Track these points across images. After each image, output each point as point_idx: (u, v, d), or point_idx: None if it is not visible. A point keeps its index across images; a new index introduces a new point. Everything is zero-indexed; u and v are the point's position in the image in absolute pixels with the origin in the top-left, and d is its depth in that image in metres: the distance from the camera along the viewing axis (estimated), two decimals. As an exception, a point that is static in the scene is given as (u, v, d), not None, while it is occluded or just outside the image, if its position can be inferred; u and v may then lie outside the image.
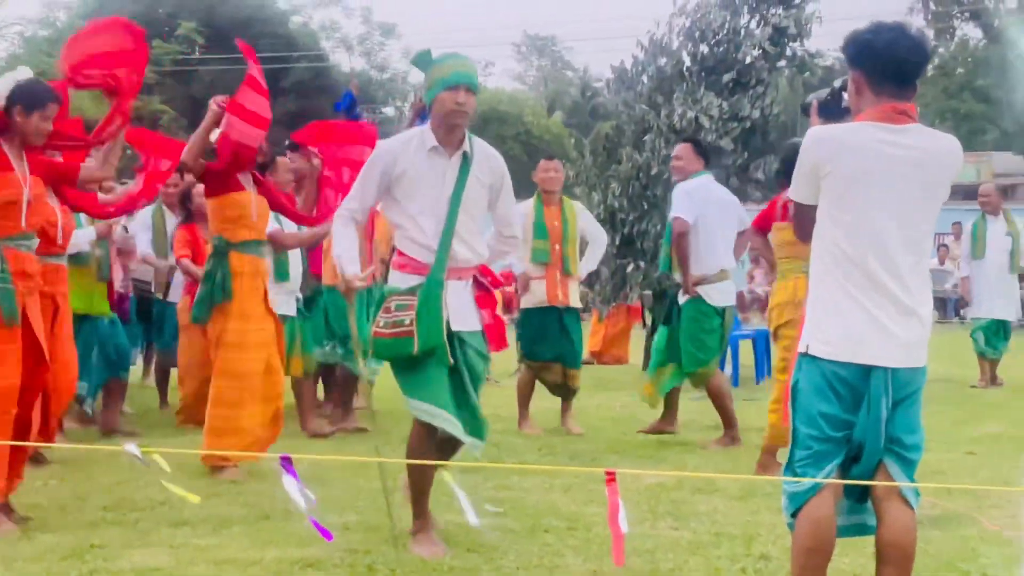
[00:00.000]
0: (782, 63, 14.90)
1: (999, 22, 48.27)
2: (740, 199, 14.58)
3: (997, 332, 13.12)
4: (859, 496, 4.30)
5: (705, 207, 8.97)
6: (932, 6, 50.43)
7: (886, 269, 4.06)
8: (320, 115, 43.09)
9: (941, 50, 51.26)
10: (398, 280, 5.59)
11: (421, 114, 9.45)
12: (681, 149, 9.35)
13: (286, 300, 8.90)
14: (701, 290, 8.97)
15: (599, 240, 9.97)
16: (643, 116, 14.06)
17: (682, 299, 9.09)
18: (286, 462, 3.68)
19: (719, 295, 9.09)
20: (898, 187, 4.07)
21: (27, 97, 5.86)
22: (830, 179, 4.09)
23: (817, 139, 4.16)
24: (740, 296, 24.01)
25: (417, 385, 5.49)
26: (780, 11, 14.00)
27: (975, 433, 9.51)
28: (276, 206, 7.90)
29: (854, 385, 4.07)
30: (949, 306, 24.71)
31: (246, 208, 7.44)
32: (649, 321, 14.53)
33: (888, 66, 4.12)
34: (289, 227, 8.87)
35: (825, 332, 4.12)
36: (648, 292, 14.31)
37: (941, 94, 48.95)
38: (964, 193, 21.80)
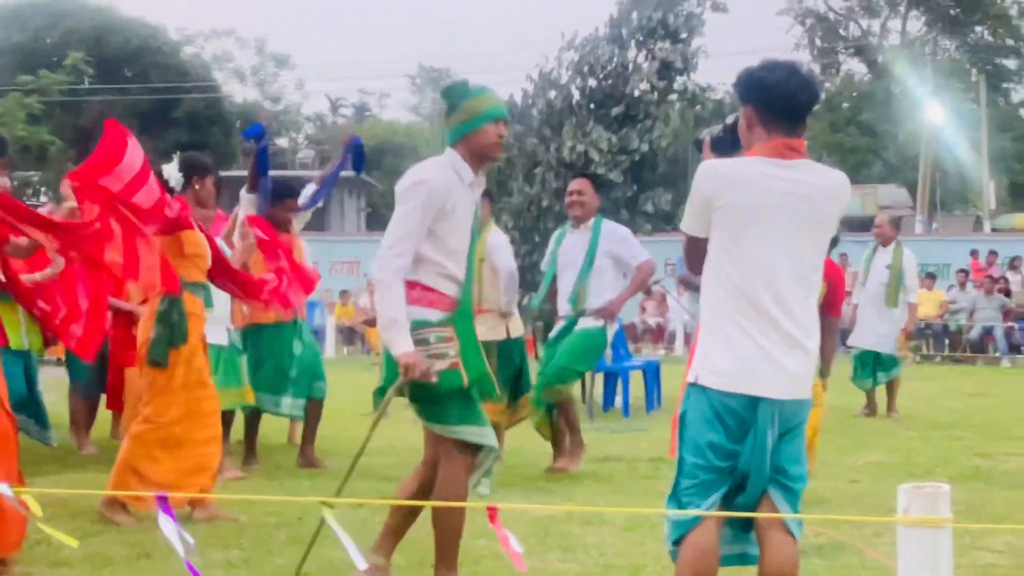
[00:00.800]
0: (672, 96, 15.08)
1: (883, 57, 49.43)
2: (632, 231, 14.82)
3: (867, 363, 13.24)
4: (743, 526, 4.33)
5: None
6: (818, 42, 51.51)
7: (776, 302, 4.10)
8: (212, 146, 42.71)
9: (827, 85, 52.34)
10: (423, 314, 5.26)
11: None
12: (581, 184, 9.32)
13: (215, 329, 8.56)
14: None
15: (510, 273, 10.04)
16: (533, 149, 14.12)
17: (584, 325, 9.17)
18: (162, 501, 3.61)
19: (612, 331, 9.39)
20: (787, 222, 4.12)
21: None
22: (721, 212, 4.12)
23: (709, 173, 4.19)
24: (632, 327, 24.24)
25: (465, 412, 5.35)
26: (667, 45, 14.20)
27: (859, 462, 9.64)
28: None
29: (742, 416, 4.10)
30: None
31: (202, 247, 7.21)
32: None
33: (779, 103, 4.17)
34: None
35: (715, 363, 4.14)
36: (540, 324, 14.35)
37: (827, 128, 49.94)
38: (850, 225, 22.18)
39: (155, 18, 50.05)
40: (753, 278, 4.10)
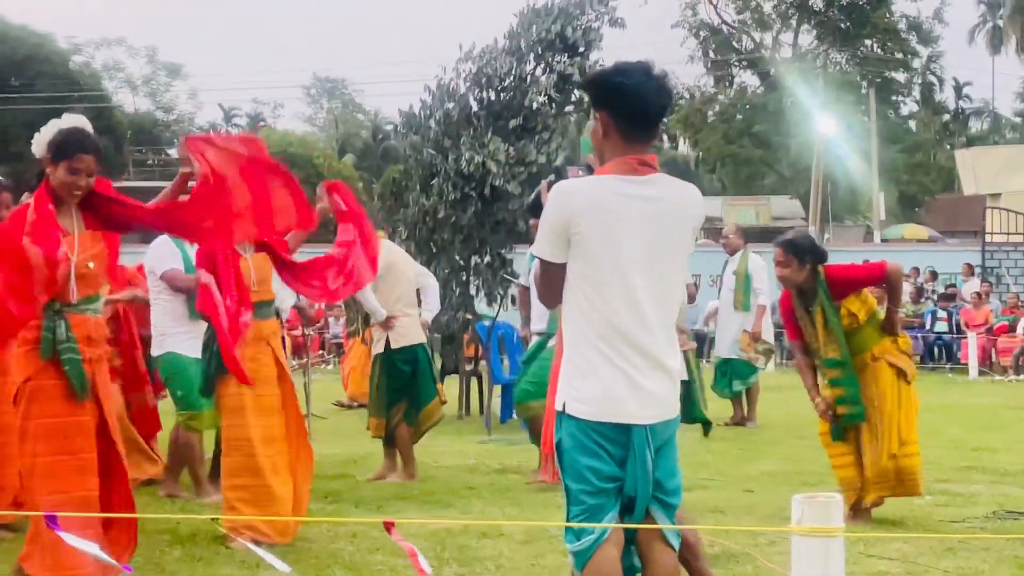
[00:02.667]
0: (568, 109, 15.12)
1: (775, 70, 50.18)
2: (527, 242, 14.81)
3: (725, 372, 13.30)
4: (630, 539, 4.33)
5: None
6: (712, 54, 52.14)
7: (637, 324, 4.08)
8: (104, 156, 42.21)
9: (721, 97, 53.00)
10: None
11: None
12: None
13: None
14: None
15: (428, 287, 10.01)
16: (431, 160, 14.08)
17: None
18: (51, 521, 3.53)
19: None
20: (645, 241, 4.08)
21: (56, 146, 5.39)
22: (578, 237, 4.06)
23: (565, 197, 4.11)
24: (528, 339, 24.21)
25: None
26: (565, 59, 14.20)
27: (752, 471, 9.74)
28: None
29: (616, 441, 4.09)
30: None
31: (246, 272, 6.90)
32: (439, 365, 14.52)
33: (636, 108, 4.12)
34: None
35: (580, 391, 4.11)
36: (437, 336, 14.30)
37: (721, 139, 50.52)
38: (745, 236, 22.33)
39: (42, 26, 49.02)
40: (612, 301, 4.06)
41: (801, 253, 7.46)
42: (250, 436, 6.84)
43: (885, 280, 7.60)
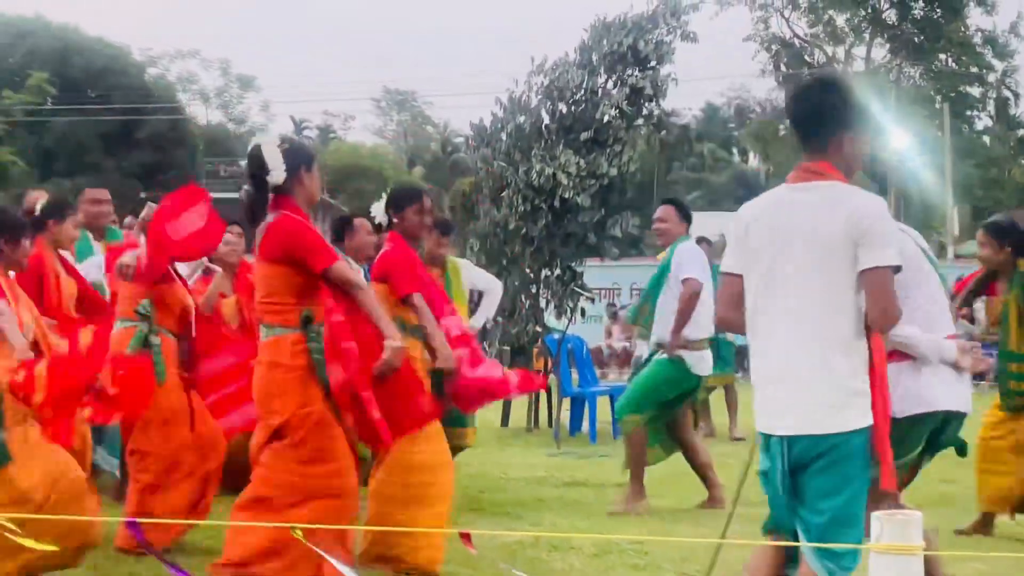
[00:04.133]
0: (639, 122, 15.08)
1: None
2: (597, 255, 14.80)
3: None
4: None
5: (705, 273, 8.73)
6: (783, 68, 51.84)
7: None
8: (176, 167, 42.58)
9: (793, 111, 52.61)
10: None
11: None
12: (665, 211, 8.99)
13: None
14: (684, 354, 8.57)
15: (492, 289, 9.92)
16: (501, 173, 14.10)
17: (662, 354, 8.68)
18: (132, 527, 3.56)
19: (701, 363, 8.73)
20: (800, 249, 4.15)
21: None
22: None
23: (739, 212, 4.35)
24: (598, 352, 24.25)
25: None
26: (637, 72, 14.18)
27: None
28: None
29: None
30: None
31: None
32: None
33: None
34: None
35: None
36: (507, 348, 14.32)
37: (792, 154, 50.14)
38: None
39: (119, 39, 49.75)
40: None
41: (1001, 235, 7.52)
42: None
43: None
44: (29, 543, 3.90)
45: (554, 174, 13.71)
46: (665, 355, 8.60)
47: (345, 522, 5.36)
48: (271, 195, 5.49)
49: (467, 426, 9.08)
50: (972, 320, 8.66)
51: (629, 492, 8.54)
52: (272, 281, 5.41)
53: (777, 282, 4.10)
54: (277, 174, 5.41)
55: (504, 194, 14.10)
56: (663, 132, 16.14)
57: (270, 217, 5.45)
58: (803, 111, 4.25)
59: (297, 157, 5.52)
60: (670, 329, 8.54)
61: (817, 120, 4.20)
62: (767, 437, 4.16)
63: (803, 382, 4.06)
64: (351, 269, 5.69)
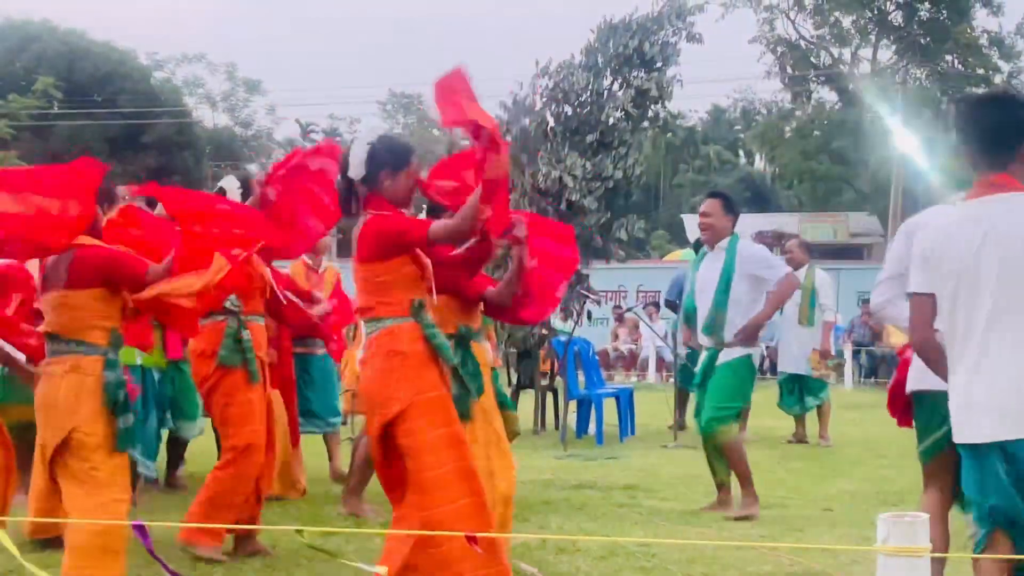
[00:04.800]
0: (645, 124, 15.08)
1: (854, 86, 49.75)
2: (603, 258, 14.80)
3: (793, 388, 13.10)
4: None
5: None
6: (789, 70, 51.77)
7: None
8: (183, 171, 42.55)
9: (798, 112, 52.64)
10: None
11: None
12: (710, 205, 8.76)
13: None
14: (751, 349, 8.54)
15: None
16: (507, 175, 14.13)
17: (727, 357, 8.47)
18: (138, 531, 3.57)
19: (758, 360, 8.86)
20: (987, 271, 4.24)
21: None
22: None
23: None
24: (604, 354, 24.24)
25: None
26: (642, 74, 14.18)
27: (832, 490, 9.64)
28: None
29: None
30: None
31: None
32: (514, 379, 14.53)
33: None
34: None
35: None
36: (513, 350, 14.33)
37: (798, 155, 50.18)
38: (822, 253, 22.19)
39: (125, 43, 49.62)
40: None
41: None
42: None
43: None
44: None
45: (560, 177, 13.72)
46: (730, 357, 8.43)
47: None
48: (364, 192, 5.51)
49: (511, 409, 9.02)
50: None
51: (744, 500, 8.40)
52: (380, 277, 5.40)
53: (1011, 295, 4.17)
54: (356, 172, 5.46)
55: (510, 197, 14.11)
56: (669, 134, 16.15)
57: (361, 219, 5.46)
58: (983, 128, 4.37)
59: (380, 158, 5.48)
60: (745, 323, 8.36)
61: (998, 136, 4.33)
62: (1005, 445, 4.17)
63: None
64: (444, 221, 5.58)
